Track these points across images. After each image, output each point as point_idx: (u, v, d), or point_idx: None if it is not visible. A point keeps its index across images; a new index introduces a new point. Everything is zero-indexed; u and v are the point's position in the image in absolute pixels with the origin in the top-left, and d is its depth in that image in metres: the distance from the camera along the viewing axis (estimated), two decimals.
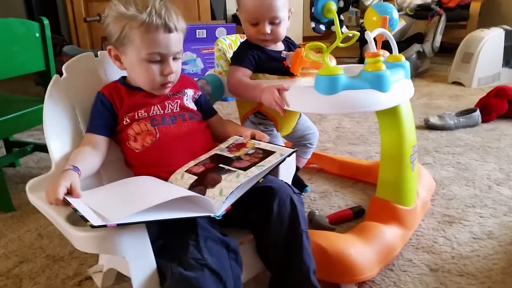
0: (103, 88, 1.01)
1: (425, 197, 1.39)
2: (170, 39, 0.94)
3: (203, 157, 0.96)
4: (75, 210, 0.73)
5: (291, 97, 1.06)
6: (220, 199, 0.80)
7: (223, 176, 0.86)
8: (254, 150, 0.95)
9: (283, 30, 1.23)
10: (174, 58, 0.97)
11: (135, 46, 0.93)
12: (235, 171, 0.87)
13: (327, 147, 2.02)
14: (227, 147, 0.99)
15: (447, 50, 3.85)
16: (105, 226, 0.67)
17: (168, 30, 0.93)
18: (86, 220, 0.68)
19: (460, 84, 3.11)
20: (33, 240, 1.33)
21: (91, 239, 0.70)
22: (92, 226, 0.67)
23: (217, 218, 0.79)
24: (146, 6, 0.91)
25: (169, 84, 1.00)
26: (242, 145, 0.98)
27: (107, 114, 0.97)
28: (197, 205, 0.82)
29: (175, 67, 0.97)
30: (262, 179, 0.86)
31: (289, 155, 0.90)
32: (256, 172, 0.85)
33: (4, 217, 1.47)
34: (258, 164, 0.88)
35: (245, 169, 0.87)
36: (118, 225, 0.68)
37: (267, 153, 0.92)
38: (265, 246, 0.92)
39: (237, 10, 1.28)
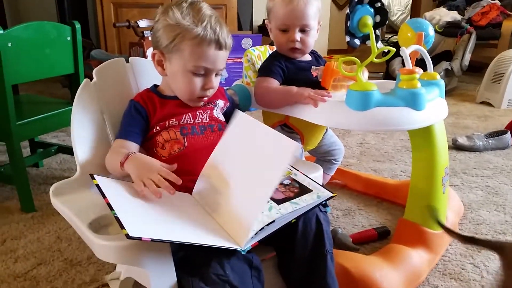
0: (136, 96, 1.00)
1: (454, 221, 1.34)
2: (219, 56, 0.94)
3: None
4: (111, 208, 0.69)
5: (319, 111, 1.04)
6: (248, 233, 0.76)
7: None
8: (290, 182, 0.90)
9: (312, 40, 1.21)
10: (216, 74, 0.98)
11: (183, 56, 0.93)
12: (268, 201, 0.82)
13: (350, 163, 1.98)
14: None
15: (476, 69, 3.77)
16: (140, 239, 0.64)
17: (219, 47, 0.93)
18: (122, 227, 0.65)
19: (489, 104, 3.04)
20: (52, 243, 1.33)
21: (113, 249, 0.69)
22: (128, 237, 0.63)
23: (242, 253, 0.76)
24: (202, 20, 0.92)
25: (206, 98, 1.00)
26: None
27: (141, 122, 0.97)
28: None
29: (216, 82, 0.98)
30: (295, 219, 0.82)
31: (327, 199, 0.85)
32: (289, 209, 0.80)
33: (25, 218, 1.48)
34: (293, 201, 0.83)
35: (278, 202, 0.82)
36: (152, 240, 0.65)
37: (303, 189, 0.88)
38: (287, 265, 0.89)
39: (264, 20, 1.27)
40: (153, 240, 0.65)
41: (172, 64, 0.95)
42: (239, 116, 0.89)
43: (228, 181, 0.84)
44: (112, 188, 0.79)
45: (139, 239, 0.64)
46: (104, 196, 0.73)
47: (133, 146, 0.95)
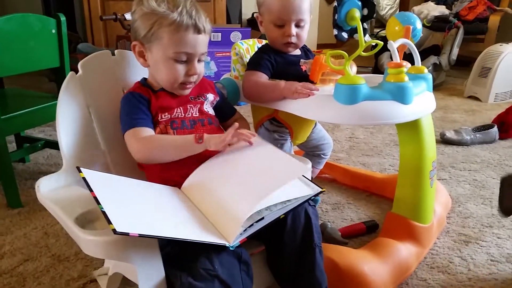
0: (134, 88, 0.99)
1: (441, 214, 1.35)
2: (198, 40, 0.93)
3: None
4: (97, 203, 0.68)
5: (308, 105, 1.04)
6: (237, 229, 0.76)
7: None
8: None
9: (306, 35, 1.20)
10: (199, 60, 0.97)
11: (163, 44, 0.92)
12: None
13: (339, 157, 1.98)
14: None
15: (463, 63, 3.80)
16: (127, 234, 0.63)
17: (197, 31, 0.93)
18: (109, 222, 0.64)
19: (476, 98, 3.07)
20: (39, 239, 1.31)
21: (100, 244, 0.68)
22: (115, 232, 0.62)
23: (231, 249, 0.75)
24: (177, 5, 0.91)
25: (190, 85, 0.98)
26: None
27: (148, 110, 0.95)
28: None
29: (199, 68, 0.97)
30: (283, 215, 0.81)
31: (316, 194, 0.86)
32: (279, 206, 0.80)
33: (11, 213, 1.46)
34: None
35: None
36: (140, 235, 0.64)
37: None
38: (276, 259, 0.89)
39: (254, 14, 1.26)
40: (141, 236, 0.65)
41: (153, 53, 0.94)
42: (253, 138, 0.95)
43: (224, 180, 0.86)
44: (99, 182, 0.78)
45: (126, 234, 0.63)
46: (91, 190, 0.72)
47: (152, 133, 0.94)
